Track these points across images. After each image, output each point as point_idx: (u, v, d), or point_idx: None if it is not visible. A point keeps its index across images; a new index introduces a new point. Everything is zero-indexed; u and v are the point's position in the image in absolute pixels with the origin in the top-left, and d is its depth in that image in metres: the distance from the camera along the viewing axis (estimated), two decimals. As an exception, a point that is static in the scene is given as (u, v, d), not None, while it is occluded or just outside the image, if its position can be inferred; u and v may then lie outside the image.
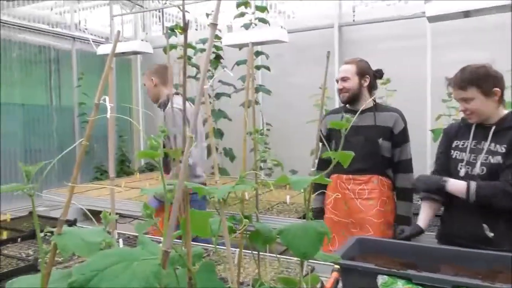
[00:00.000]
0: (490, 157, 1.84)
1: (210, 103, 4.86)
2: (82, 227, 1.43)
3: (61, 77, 5.55)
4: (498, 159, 1.81)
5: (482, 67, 1.87)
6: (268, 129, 4.57)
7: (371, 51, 4.71)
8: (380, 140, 2.27)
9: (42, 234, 0.67)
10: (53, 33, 5.43)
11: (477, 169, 1.84)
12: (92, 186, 3.94)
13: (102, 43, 5.60)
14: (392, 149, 2.31)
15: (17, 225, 2.23)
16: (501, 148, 1.82)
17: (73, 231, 0.66)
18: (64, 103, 5.57)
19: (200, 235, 0.84)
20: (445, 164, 2.01)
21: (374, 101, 2.38)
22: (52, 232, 0.68)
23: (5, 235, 1.98)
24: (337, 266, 1.60)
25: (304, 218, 1.00)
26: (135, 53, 5.10)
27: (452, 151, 1.96)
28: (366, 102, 2.34)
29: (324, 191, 2.35)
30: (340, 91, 2.38)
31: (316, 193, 2.44)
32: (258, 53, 4.76)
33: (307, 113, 3.69)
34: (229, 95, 4.87)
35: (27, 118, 5.13)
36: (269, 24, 4.59)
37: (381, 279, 1.37)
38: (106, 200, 3.30)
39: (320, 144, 2.49)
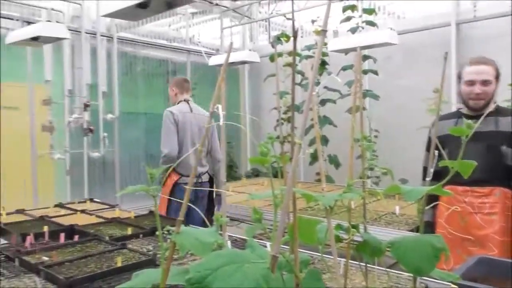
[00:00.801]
0: None
1: (316, 109, 4.85)
2: (195, 227, 1.54)
3: (178, 88, 6.06)
4: None
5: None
6: (375, 136, 4.40)
7: (493, 49, 4.25)
8: (504, 148, 2.05)
9: (162, 232, 0.73)
10: (171, 48, 5.96)
11: None
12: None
13: (213, 55, 5.97)
14: None
15: (140, 222, 2.46)
16: None
17: (189, 230, 0.71)
18: (179, 112, 6.06)
19: (307, 242, 0.84)
20: None
21: (496, 103, 2.16)
22: (170, 231, 0.74)
23: (129, 231, 2.20)
24: (454, 287, 1.47)
25: (416, 231, 0.93)
26: (243, 62, 5.34)
27: None
28: (489, 106, 2.11)
29: (437, 203, 2.14)
30: (477, 96, 2.09)
31: (428, 206, 2.26)
32: (365, 57, 4.62)
33: (419, 118, 3.45)
34: (334, 101, 4.80)
35: (149, 125, 5.69)
36: (377, 27, 4.43)
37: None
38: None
39: (426, 152, 2.30)
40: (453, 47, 4.39)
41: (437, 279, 0.93)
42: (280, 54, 4.67)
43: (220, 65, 5.34)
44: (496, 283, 1.42)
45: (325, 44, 4.52)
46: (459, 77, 2.21)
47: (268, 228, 0.76)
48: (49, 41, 3.62)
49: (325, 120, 4.82)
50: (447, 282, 1.33)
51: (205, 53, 5.99)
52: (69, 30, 3.77)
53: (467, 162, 0.80)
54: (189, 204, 0.69)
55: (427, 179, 0.95)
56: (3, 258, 1.81)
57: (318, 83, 4.72)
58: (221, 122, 0.80)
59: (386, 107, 4.79)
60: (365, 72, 4.71)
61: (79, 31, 4.82)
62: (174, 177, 3.26)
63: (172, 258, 0.70)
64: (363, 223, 1.03)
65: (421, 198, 0.89)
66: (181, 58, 6.12)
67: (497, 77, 2.12)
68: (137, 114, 5.60)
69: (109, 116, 5.10)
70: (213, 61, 5.38)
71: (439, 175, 2.56)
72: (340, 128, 4.70)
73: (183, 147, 3.30)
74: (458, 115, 2.20)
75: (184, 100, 3.43)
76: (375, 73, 4.63)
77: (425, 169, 2.30)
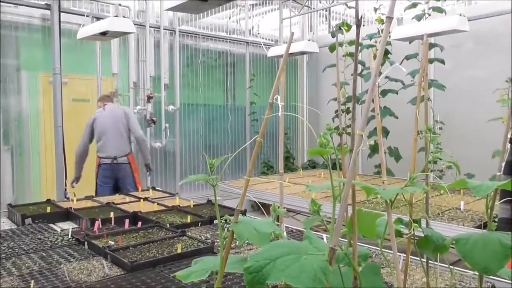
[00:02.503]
0: None
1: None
2: (251, 217, 1.56)
3: (236, 79, 6.15)
4: None
5: None
6: (440, 128, 4.19)
7: None
8: None
9: (221, 221, 0.75)
10: (230, 39, 6.04)
11: None
12: (261, 180, 4.24)
13: (272, 46, 5.97)
14: None
15: (198, 211, 2.55)
16: None
17: (247, 220, 0.72)
18: (237, 102, 6.15)
19: (366, 235, 0.82)
20: None
21: None
22: (228, 220, 0.76)
23: (189, 219, 2.29)
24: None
25: (483, 228, 0.88)
26: (302, 53, 5.28)
27: None
28: None
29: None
30: None
31: (503, 200, 2.13)
32: (431, 46, 4.39)
33: (488, 109, 3.24)
34: (396, 92, 4.63)
35: (207, 116, 5.85)
36: (445, 13, 4.18)
37: None
38: (272, 194, 3.52)
39: (509, 145, 2.16)
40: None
41: (506, 279, 0.88)
42: (340, 44, 4.56)
43: (278, 56, 5.33)
44: None
45: (389, 32, 4.36)
46: None
47: (326, 220, 0.76)
48: (116, 35, 3.82)
49: (386, 111, 4.66)
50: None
51: (264, 45, 6.00)
52: (135, 24, 3.95)
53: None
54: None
55: (497, 173, 0.89)
56: (73, 241, 1.95)
57: (380, 73, 4.57)
58: (280, 113, 0.80)
59: (452, 98, 4.53)
60: (431, 61, 4.48)
61: (144, 25, 5.04)
62: (98, 161, 4.05)
63: (230, 247, 0.72)
64: (425, 217, 0.99)
65: (490, 193, 0.83)
66: (240, 49, 6.19)
67: None
68: (196, 105, 5.77)
69: (171, 107, 5.30)
70: (272, 52, 5.38)
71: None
72: (401, 119, 4.52)
73: (102, 137, 4.00)
74: None
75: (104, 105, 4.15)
76: (442, 62, 4.39)
77: (508, 163, 2.18)
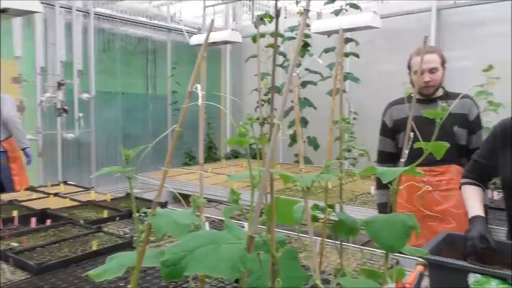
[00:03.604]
0: None
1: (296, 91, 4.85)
2: (172, 209, 1.53)
3: (157, 67, 5.95)
4: None
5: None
6: (354, 118, 4.45)
7: (472, 36, 4.32)
8: (456, 128, 2.18)
9: (138, 214, 0.73)
10: (151, 25, 5.81)
11: None
12: (182, 171, 4.18)
13: (194, 34, 5.86)
14: (468, 136, 2.22)
15: (116, 205, 2.44)
16: None
17: (165, 212, 0.71)
18: (159, 91, 5.97)
19: (284, 222, 0.85)
20: (483, 170, 1.77)
21: (444, 88, 2.27)
22: (146, 213, 0.74)
23: (105, 214, 2.18)
24: (421, 260, 1.52)
25: (390, 210, 0.96)
26: (225, 42, 5.27)
27: None
28: (438, 91, 2.25)
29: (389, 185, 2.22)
30: (426, 83, 2.19)
31: (382, 188, 2.35)
32: (347, 40, 4.63)
33: (397, 102, 3.51)
34: (315, 83, 4.81)
35: (127, 105, 5.59)
36: (361, 10, 4.42)
37: (473, 278, 1.27)
38: (194, 185, 3.49)
39: (381, 136, 2.39)
40: (433, 33, 4.43)
41: (408, 255, 0.97)
42: (262, 35, 4.62)
43: (201, 45, 5.25)
44: (460, 256, 1.48)
45: (308, 25, 4.50)
46: (409, 67, 2.29)
47: (246, 209, 0.77)
48: (19, 14, 3.47)
49: (305, 102, 4.84)
50: (417, 257, 1.38)
51: (187, 32, 5.88)
52: (42, 3, 3.63)
53: (440, 143, 0.82)
54: None
55: (402, 160, 0.96)
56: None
57: (299, 65, 4.71)
58: (200, 102, 0.79)
59: (366, 90, 4.82)
60: (346, 55, 4.72)
61: (53, 5, 4.64)
62: None
63: (149, 241, 0.70)
64: (339, 203, 1.05)
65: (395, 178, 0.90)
66: (161, 36, 5.99)
67: (443, 63, 2.22)
68: (114, 94, 5.49)
69: (85, 95, 4.97)
70: (195, 40, 5.30)
71: (387, 157, 2.60)
72: (320, 110, 4.73)
73: None
74: (409, 100, 2.24)
75: None
76: (357, 56, 4.65)
77: (380, 153, 2.40)
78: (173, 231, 0.67)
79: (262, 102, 4.68)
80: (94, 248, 1.63)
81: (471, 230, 1.53)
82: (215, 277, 0.97)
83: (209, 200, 3.39)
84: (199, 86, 0.76)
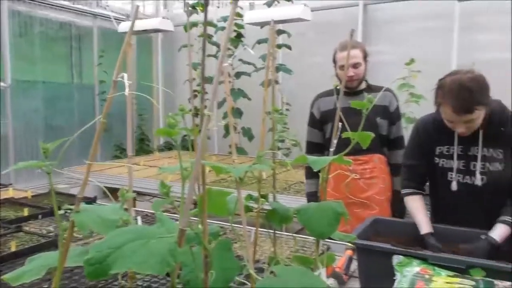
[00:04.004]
0: (487, 164, 1.67)
1: (230, 82, 4.84)
2: (101, 204, 1.46)
3: (82, 55, 5.60)
4: (496, 166, 1.66)
5: (477, 79, 1.57)
6: (287, 109, 4.54)
7: (396, 31, 4.58)
8: (378, 119, 2.30)
9: (61, 211, 0.68)
10: (74, 10, 5.45)
11: (478, 180, 1.67)
12: (112, 164, 4.00)
13: (123, 21, 5.60)
14: (389, 127, 2.35)
15: (38, 202, 2.27)
16: (497, 153, 1.66)
17: (90, 208, 0.67)
18: (85, 81, 5.64)
19: (217, 213, 0.84)
20: (417, 171, 1.84)
21: (366, 81, 2.38)
22: (71, 209, 0.69)
23: (26, 212, 2.02)
24: (350, 245, 1.61)
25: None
26: (156, 30, 5.09)
27: (437, 158, 1.78)
28: (362, 84, 2.36)
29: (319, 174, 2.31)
30: (350, 78, 2.28)
31: (311, 178, 2.44)
32: (279, 32, 4.69)
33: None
34: (249, 74, 4.83)
35: (49, 95, 5.21)
36: (293, 2, 4.50)
37: (396, 259, 1.36)
38: (125, 178, 3.36)
39: (309, 127, 2.48)
40: (360, 28, 4.63)
41: (338, 240, 1.01)
42: (195, 24, 4.53)
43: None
44: (386, 240, 1.58)
45: (241, 16, 4.49)
46: (334, 61, 2.37)
47: (178, 202, 0.75)
48: None
49: (239, 93, 4.85)
50: (346, 242, 1.45)
51: (114, 19, 5.59)
52: None
53: (365, 133, 0.86)
54: None
55: (331, 149, 1.00)
56: None
57: (231, 55, 4.70)
58: (127, 92, 0.75)
59: (298, 82, 4.94)
60: (279, 46, 4.78)
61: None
62: None
63: (76, 239, 0.65)
64: (272, 192, 1.07)
65: (325, 168, 0.93)
66: (86, 22, 5.64)
67: (365, 57, 2.33)
68: (34, 83, 5.09)
69: (0, 84, 4.56)
70: (123, 27, 5.06)
71: (317, 147, 2.68)
72: (254, 101, 4.76)
73: None
74: (336, 92, 2.35)
75: None
76: (289, 47, 4.73)
77: (308, 144, 2.48)
78: (99, 228, 0.63)
79: (196, 93, 4.62)
80: (13, 249, 1.51)
81: (427, 247, 1.58)
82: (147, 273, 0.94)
83: (142, 194, 3.29)
84: (125, 75, 0.72)
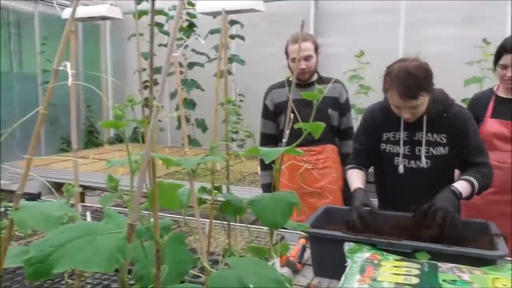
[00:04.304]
0: (431, 149, 1.76)
1: (182, 72, 4.75)
2: (46, 200, 1.38)
3: (23, 42, 5.26)
4: (440, 150, 1.75)
5: (423, 66, 1.64)
6: (241, 100, 4.54)
7: (347, 24, 4.69)
8: (329, 110, 2.35)
9: (2, 209, 0.64)
10: (13, -6, 5.10)
11: (423, 163, 1.76)
12: (58, 158, 3.81)
13: (68, 6, 5.31)
14: (339, 118, 2.41)
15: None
16: (441, 138, 1.75)
17: (32, 205, 0.63)
18: (27, 70, 5.31)
19: (169, 207, 0.83)
20: (363, 155, 1.91)
21: (318, 73, 2.43)
22: (11, 207, 0.65)
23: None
24: (303, 234, 1.64)
25: (274, 189, 1.00)
26: (104, 18, 4.87)
27: (384, 144, 1.84)
28: (313, 76, 2.40)
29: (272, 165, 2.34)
30: (302, 70, 2.31)
31: (265, 169, 2.47)
32: (232, 22, 4.65)
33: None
34: (202, 65, 4.77)
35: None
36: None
37: (347, 246, 1.40)
38: (71, 172, 3.23)
39: (262, 119, 2.51)
40: (312, 20, 4.69)
41: (291, 230, 1.02)
42: (144, 12, 4.39)
43: (77, 20, 4.80)
44: (338, 228, 1.63)
45: (193, 5, 4.41)
46: (286, 53, 2.39)
47: (127, 195, 0.72)
48: None
49: (192, 84, 4.77)
50: (299, 231, 1.47)
51: (58, 4, 5.29)
52: None
53: (317, 124, 0.87)
54: None
55: (284, 140, 1.01)
56: None
57: (184, 45, 4.61)
58: (70, 82, 0.71)
59: (252, 73, 4.94)
60: (232, 37, 4.75)
61: None
62: None
63: (14, 238, 0.61)
64: (226, 184, 1.06)
65: (278, 158, 0.94)
66: (26, 7, 5.30)
67: (317, 50, 2.37)
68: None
69: None
70: (67, 13, 4.80)
71: (271, 139, 2.70)
72: (208, 92, 4.71)
73: None
74: (288, 84, 2.37)
75: None
76: (242, 38, 4.71)
77: (262, 135, 2.50)
78: (41, 225, 0.60)
79: (146, 84, 4.49)
80: None
81: (354, 200, 1.66)
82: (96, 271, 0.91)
83: (92, 188, 3.17)
84: (68, 64, 0.68)
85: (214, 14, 4.23)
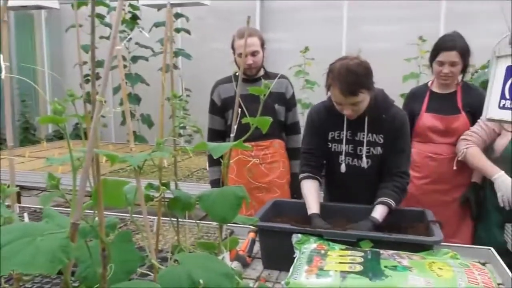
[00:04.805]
0: (371, 148, 1.84)
1: (126, 66, 4.60)
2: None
3: None
4: (378, 150, 1.83)
5: (363, 64, 1.70)
6: (187, 95, 4.47)
7: (292, 20, 4.76)
8: (276, 105, 2.38)
9: None
10: None
11: (364, 163, 1.83)
12: (-8, 156, 3.57)
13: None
14: (286, 113, 2.44)
15: None
16: (379, 138, 1.83)
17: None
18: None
19: (114, 205, 0.80)
20: (314, 157, 1.94)
21: (264, 68, 2.44)
22: None
23: None
24: (252, 228, 1.66)
25: (223, 184, 1.00)
26: (38, 7, 4.58)
27: (330, 143, 1.89)
28: (260, 71, 2.41)
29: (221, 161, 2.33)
30: (249, 66, 2.30)
31: (213, 165, 2.46)
32: (178, 15, 4.57)
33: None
34: (146, 59, 4.64)
35: None
36: (189, -15, 4.39)
37: (295, 238, 1.44)
38: (6, 172, 3.03)
39: (210, 114, 2.50)
40: (258, 15, 4.72)
41: (241, 224, 1.03)
42: (83, 2, 4.19)
43: (9, 8, 4.47)
44: (287, 220, 1.67)
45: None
46: (232, 48, 2.39)
47: (69, 194, 0.69)
48: None
49: (136, 78, 4.64)
50: (248, 225, 1.49)
51: (-13, -8, 4.92)
52: None
53: (264, 118, 0.88)
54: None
55: (232, 135, 1.01)
56: None
57: (127, 38, 4.47)
58: (3, 75, 0.67)
59: (198, 67, 4.88)
60: (177, 30, 4.66)
61: None
62: None
63: None
64: (174, 180, 1.05)
65: (226, 153, 0.94)
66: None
67: (263, 45, 2.38)
68: None
69: None
70: (-2, 2, 4.47)
71: (219, 135, 2.69)
72: (153, 87, 4.60)
73: None
74: (235, 79, 2.39)
75: None
76: (188, 32, 4.64)
77: (210, 131, 2.48)
78: (-28, 229, 0.55)
79: (87, 78, 4.32)
80: None
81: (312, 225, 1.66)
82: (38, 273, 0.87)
83: (29, 188, 2.99)
84: (1, 56, 0.64)
85: (158, 7, 4.11)
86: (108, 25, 4.52)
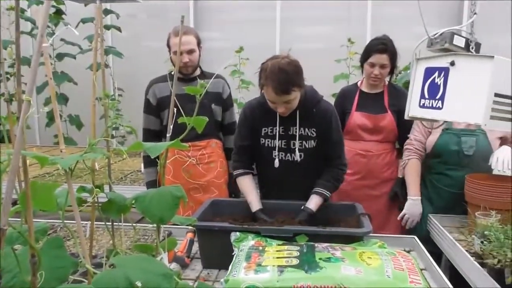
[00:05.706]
0: (304, 142, 1.91)
1: (51, 64, 4.33)
2: None
3: None
4: (311, 143, 1.91)
5: (293, 63, 1.75)
6: (120, 95, 4.32)
7: (226, 19, 4.78)
8: (213, 105, 2.38)
9: None
10: None
11: (297, 156, 1.89)
12: None
13: None
14: (223, 113, 2.46)
15: None
16: (311, 132, 1.91)
17: None
18: None
19: (44, 209, 0.76)
20: (248, 151, 1.99)
21: (200, 68, 2.44)
22: None
23: None
24: (191, 228, 1.66)
25: (159, 185, 0.99)
26: None
27: (263, 139, 1.93)
28: (196, 70, 2.39)
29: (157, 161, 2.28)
30: (185, 64, 2.28)
31: (149, 167, 2.41)
32: (107, 12, 4.38)
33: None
34: (74, 56, 4.40)
35: None
36: (119, -19, 4.24)
37: (234, 236, 1.46)
38: None
39: (145, 114, 2.45)
40: (192, 14, 4.67)
41: (179, 225, 1.02)
42: (1, -5, 3.88)
43: None
44: (225, 219, 1.68)
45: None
46: (168, 46, 2.36)
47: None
48: None
49: (63, 77, 4.38)
50: (187, 225, 1.48)
51: None
52: None
53: (200, 118, 0.88)
54: None
55: (168, 135, 1.00)
56: None
57: (52, 34, 4.21)
58: None
59: (132, 66, 4.73)
60: (107, 27, 4.49)
61: None
62: None
63: None
64: (108, 182, 1.02)
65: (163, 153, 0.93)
66: None
67: (199, 44, 2.37)
68: None
69: None
70: None
71: (152, 135, 2.65)
72: (82, 86, 4.38)
73: None
74: (171, 78, 2.36)
75: None
76: (119, 29, 4.48)
77: (145, 131, 2.43)
78: None
79: (8, 76, 4.01)
80: None
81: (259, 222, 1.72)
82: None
83: None
84: None
85: (85, 2, 3.93)
86: (29, 20, 4.23)
